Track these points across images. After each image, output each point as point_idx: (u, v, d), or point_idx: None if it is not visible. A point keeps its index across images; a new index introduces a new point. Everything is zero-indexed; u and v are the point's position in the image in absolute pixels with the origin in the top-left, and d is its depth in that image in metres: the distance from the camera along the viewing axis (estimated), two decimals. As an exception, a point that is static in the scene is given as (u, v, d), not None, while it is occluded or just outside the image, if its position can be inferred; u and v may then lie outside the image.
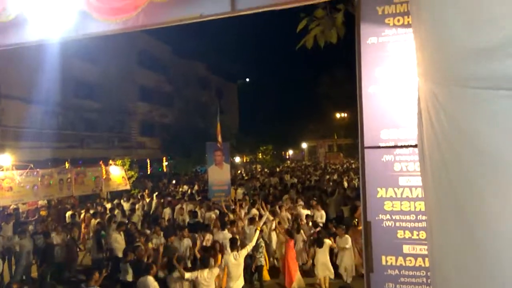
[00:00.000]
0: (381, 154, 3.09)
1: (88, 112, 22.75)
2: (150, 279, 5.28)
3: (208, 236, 7.58)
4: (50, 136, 18.50)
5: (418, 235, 3.01)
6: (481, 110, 1.37)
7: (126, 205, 12.24)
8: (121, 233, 8.09)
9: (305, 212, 9.41)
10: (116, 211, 11.07)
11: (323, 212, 9.58)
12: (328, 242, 7.19)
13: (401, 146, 3.06)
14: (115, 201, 13.44)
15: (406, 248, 3.04)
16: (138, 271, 5.74)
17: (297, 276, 7.13)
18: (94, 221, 9.92)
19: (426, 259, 2.94)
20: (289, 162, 41.58)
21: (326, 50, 4.26)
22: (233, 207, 10.46)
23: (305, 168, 28.37)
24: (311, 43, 3.93)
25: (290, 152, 48.05)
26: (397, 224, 3.05)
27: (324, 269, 7.04)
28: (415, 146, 2.73)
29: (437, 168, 1.67)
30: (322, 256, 7.08)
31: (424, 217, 2.93)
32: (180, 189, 17.21)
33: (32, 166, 14.71)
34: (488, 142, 1.35)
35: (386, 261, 3.06)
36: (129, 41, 22.50)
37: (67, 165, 16.29)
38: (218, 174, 12.93)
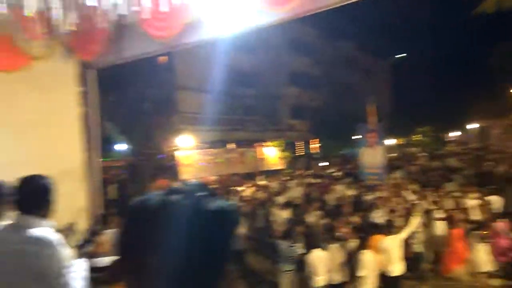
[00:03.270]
0: None
1: (246, 98, 24.95)
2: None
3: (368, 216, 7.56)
4: (216, 121, 20.97)
5: None
6: None
7: (282, 184, 13.10)
8: (285, 210, 8.74)
9: (473, 201, 8.35)
10: (277, 188, 11.96)
11: (500, 201, 8.32)
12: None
13: None
14: (274, 180, 14.45)
15: None
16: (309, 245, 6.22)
17: (459, 268, 6.51)
18: (260, 196, 10.93)
19: None
20: (452, 144, 37.01)
21: (500, 16, 3.67)
22: (388, 190, 10.06)
23: (474, 151, 24.82)
24: (493, 6, 3.45)
25: (453, 133, 42.59)
26: None
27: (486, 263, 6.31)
28: None
29: None
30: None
31: None
32: (330, 171, 17.43)
33: (205, 146, 17.13)
34: None
35: None
36: (280, 29, 23.50)
37: (231, 146, 18.35)
38: (371, 156, 12.55)
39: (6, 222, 2.30)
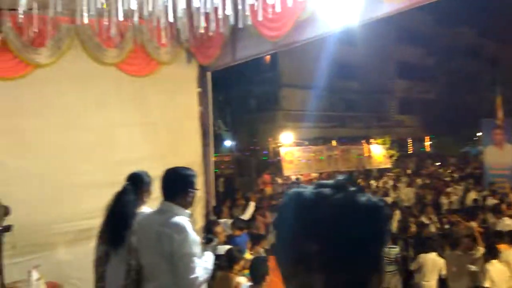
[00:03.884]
0: None
1: (349, 93, 24.16)
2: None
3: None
4: (318, 117, 20.81)
5: None
6: None
7: (390, 183, 12.40)
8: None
9: None
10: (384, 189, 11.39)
11: None
12: None
13: None
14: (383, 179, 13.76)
15: None
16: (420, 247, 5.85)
17: None
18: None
19: None
20: None
21: None
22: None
23: None
24: None
25: None
26: None
27: None
28: None
29: None
30: None
31: None
32: (446, 171, 15.84)
33: (306, 143, 17.14)
34: None
35: None
36: (387, 17, 22.08)
37: (333, 143, 18.02)
38: (498, 156, 11.05)
39: (146, 207, 2.65)
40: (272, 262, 2.98)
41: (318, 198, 0.72)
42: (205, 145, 5.91)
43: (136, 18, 3.65)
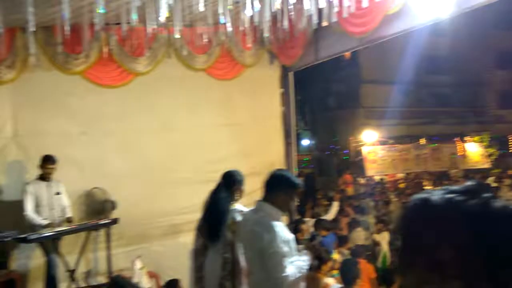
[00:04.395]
0: None
1: (439, 87, 22.34)
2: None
3: None
4: (403, 114, 19.64)
5: None
6: None
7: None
8: None
9: None
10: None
11: None
12: None
13: None
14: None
15: None
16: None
17: None
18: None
19: None
20: None
21: None
22: None
23: None
24: None
25: None
26: None
27: None
28: None
29: None
30: None
31: None
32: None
33: (391, 141, 16.28)
34: None
35: None
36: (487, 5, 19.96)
37: (422, 141, 16.84)
38: None
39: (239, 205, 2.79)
40: (362, 265, 2.90)
41: (449, 205, 0.70)
42: (287, 144, 5.97)
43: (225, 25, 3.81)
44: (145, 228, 4.81)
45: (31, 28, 3.03)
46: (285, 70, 5.82)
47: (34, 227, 3.97)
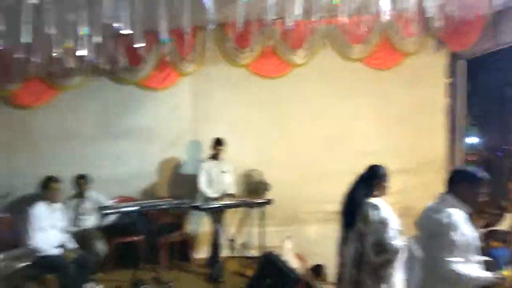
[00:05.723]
0: None
1: None
2: None
3: None
4: None
5: None
6: None
7: None
8: None
9: None
10: None
11: None
12: None
13: None
14: None
15: None
16: None
17: None
18: None
19: None
20: None
21: None
22: None
23: None
24: None
25: None
26: None
27: None
28: None
29: None
30: None
31: None
32: None
33: None
34: None
35: None
36: None
37: None
38: None
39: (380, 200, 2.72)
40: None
41: None
42: (453, 140, 5.36)
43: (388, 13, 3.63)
44: (295, 212, 5.09)
45: (211, 26, 3.49)
46: (454, 57, 5.19)
47: (205, 199, 4.67)
